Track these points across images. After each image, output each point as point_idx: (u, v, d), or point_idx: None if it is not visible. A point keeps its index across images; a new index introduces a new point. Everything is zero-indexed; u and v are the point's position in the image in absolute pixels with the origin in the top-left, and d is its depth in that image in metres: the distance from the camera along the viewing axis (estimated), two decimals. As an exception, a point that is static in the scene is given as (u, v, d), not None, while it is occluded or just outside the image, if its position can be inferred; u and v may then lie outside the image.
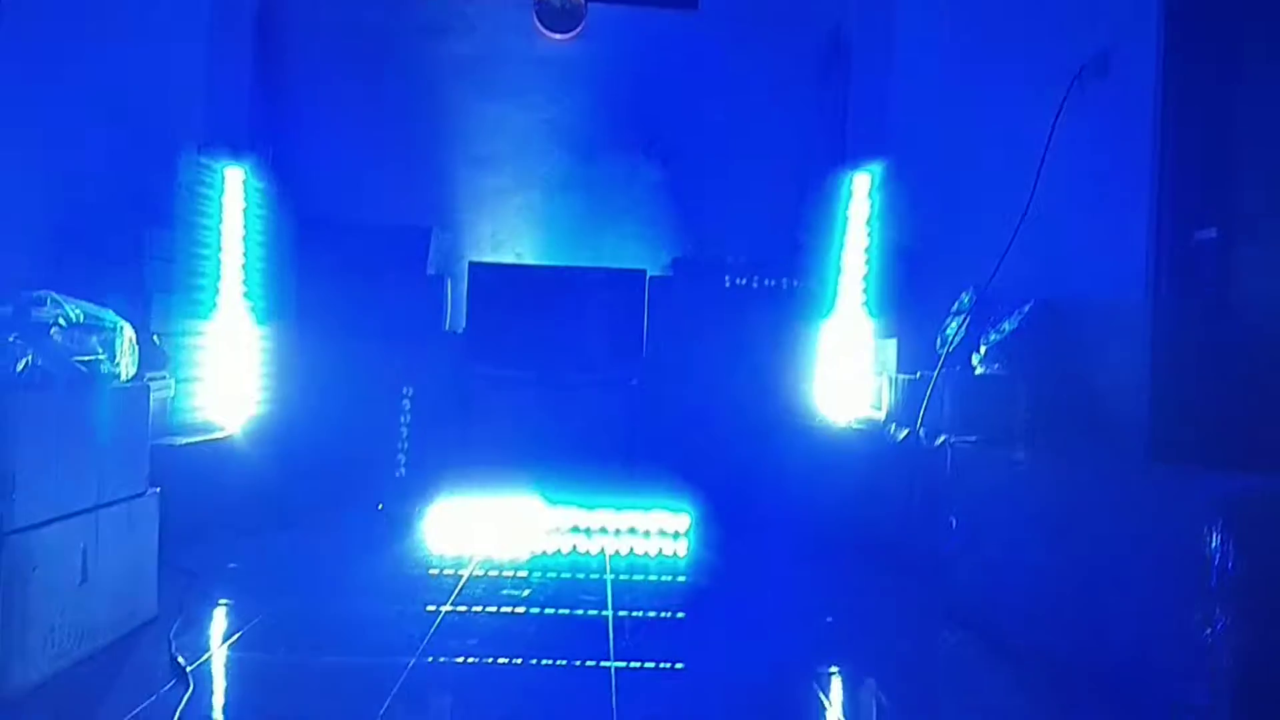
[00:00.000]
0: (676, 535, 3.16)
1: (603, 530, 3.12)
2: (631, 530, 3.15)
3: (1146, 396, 2.12)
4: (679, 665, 2.04)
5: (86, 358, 1.97)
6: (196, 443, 2.95)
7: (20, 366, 1.83)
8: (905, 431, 2.90)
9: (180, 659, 1.87)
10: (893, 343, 3.22)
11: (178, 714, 1.63)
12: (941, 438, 2.62)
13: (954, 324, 2.83)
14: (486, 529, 3.08)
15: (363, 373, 3.28)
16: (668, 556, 2.95)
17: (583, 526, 3.12)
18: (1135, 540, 1.77)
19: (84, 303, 2.04)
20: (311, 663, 2.00)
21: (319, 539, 2.95)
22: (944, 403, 2.69)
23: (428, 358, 3.34)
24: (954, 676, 2.07)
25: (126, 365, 2.14)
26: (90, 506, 1.91)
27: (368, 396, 3.27)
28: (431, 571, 2.69)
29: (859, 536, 2.91)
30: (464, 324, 3.49)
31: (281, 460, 3.14)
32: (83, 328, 2.00)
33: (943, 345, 2.84)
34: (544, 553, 2.91)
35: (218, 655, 1.97)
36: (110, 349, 2.07)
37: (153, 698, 1.70)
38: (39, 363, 1.85)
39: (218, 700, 1.75)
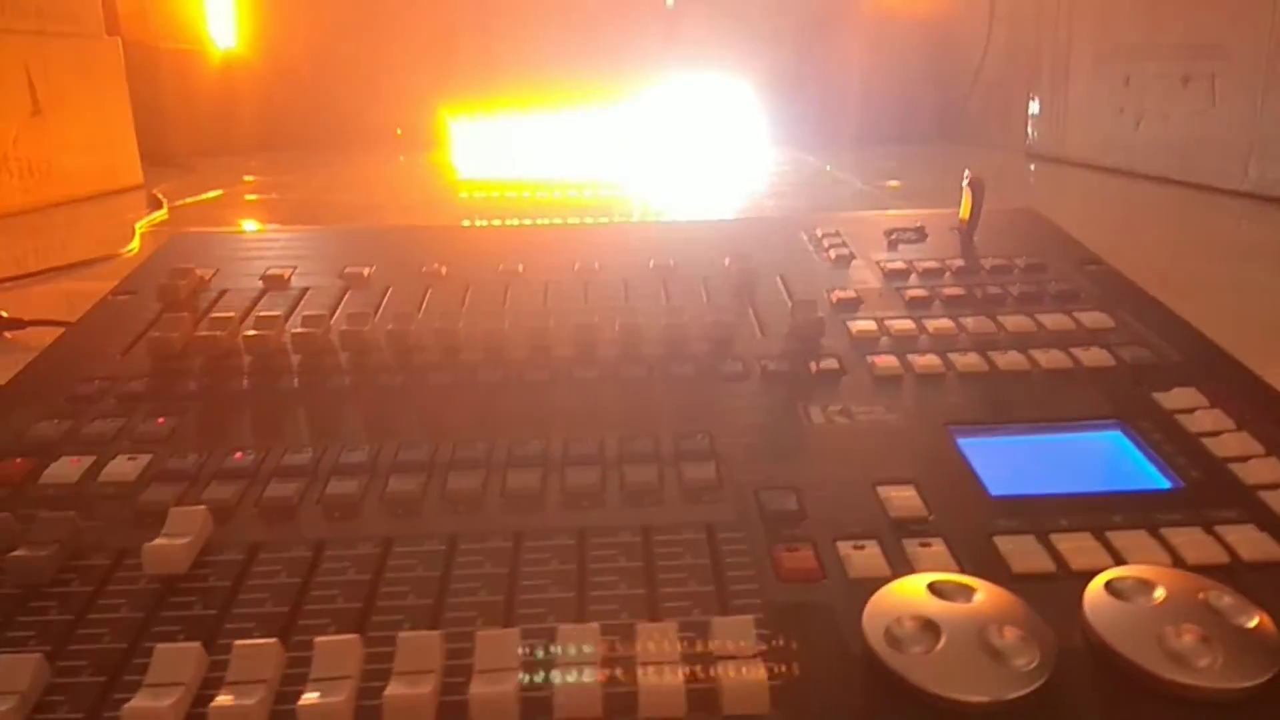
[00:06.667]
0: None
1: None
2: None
3: None
4: None
5: None
6: (181, 49, 2.57)
7: None
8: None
9: (160, 194, 1.58)
10: None
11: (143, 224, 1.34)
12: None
13: None
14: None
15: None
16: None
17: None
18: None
19: None
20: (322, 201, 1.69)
21: (333, 152, 2.61)
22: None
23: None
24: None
25: None
26: (28, 30, 1.57)
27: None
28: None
29: None
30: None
31: (282, 77, 2.76)
32: None
33: None
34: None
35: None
36: None
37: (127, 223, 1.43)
38: None
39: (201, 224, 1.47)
